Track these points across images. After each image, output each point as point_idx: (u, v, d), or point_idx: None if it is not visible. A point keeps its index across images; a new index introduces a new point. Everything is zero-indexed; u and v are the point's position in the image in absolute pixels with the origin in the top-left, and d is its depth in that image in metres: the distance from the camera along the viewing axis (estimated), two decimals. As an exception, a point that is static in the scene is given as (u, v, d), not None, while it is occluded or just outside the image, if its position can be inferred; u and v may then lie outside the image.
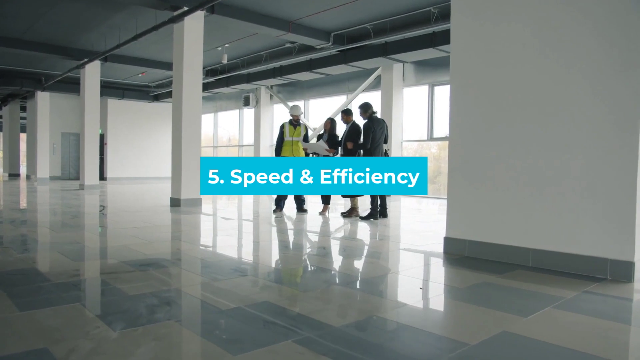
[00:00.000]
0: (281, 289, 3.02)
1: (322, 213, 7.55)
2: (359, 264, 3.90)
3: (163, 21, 8.50)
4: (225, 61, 11.89)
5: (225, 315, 2.44)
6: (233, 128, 19.13)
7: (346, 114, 7.29)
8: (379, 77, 12.67)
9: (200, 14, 8.25)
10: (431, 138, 12.01)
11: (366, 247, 4.72)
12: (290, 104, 15.75)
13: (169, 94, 17.63)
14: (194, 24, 8.29)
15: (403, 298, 2.87)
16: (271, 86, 16.02)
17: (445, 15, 8.62)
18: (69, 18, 9.72)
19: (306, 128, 7.79)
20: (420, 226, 6.45)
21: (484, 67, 4.17)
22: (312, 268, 3.71)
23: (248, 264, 3.87)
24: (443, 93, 11.78)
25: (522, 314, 2.54)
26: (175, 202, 8.36)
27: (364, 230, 5.85)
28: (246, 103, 16.40)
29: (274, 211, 7.69)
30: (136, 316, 2.39)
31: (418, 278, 3.43)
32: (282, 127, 7.68)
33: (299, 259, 4.13)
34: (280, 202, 7.75)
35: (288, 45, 11.49)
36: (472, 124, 4.23)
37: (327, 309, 2.60)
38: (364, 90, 13.17)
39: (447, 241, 4.38)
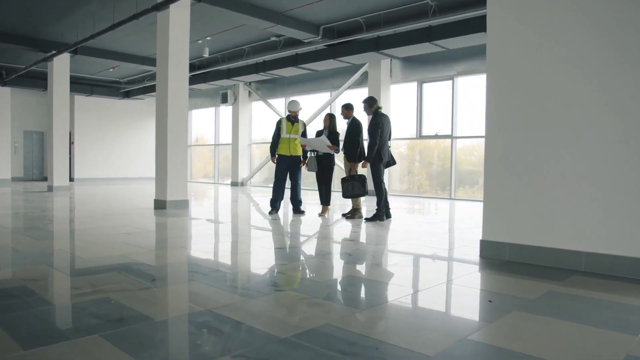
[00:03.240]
0: (334, 307, 2.57)
1: (322, 214, 7.12)
2: (398, 273, 3.49)
3: (146, 9, 7.84)
4: (206, 55, 11.25)
5: (289, 346, 1.97)
6: (204, 126, 18.37)
7: (347, 108, 6.87)
8: (365, 74, 12.31)
9: (186, 2, 7.65)
10: (420, 136, 11.74)
11: (392, 253, 4.31)
12: (271, 101, 15.24)
13: (141, 91, 16.79)
14: (180, 13, 7.68)
15: (479, 315, 2.47)
16: (250, 82, 15.43)
17: (443, 9, 8.34)
18: (38, 5, 8.90)
19: (304, 125, 7.34)
20: (430, 227, 6.11)
21: (523, 61, 3.84)
22: (351, 279, 3.28)
23: (276, 276, 3.39)
24: (432, 90, 11.54)
25: (629, 332, 2.19)
26: (160, 204, 7.74)
27: (376, 233, 5.45)
28: (224, 100, 15.74)
29: (270, 213, 7.20)
30: (180, 351, 1.90)
31: (473, 287, 3.05)
32: (279, 122, 7.21)
33: (330, 268, 3.69)
34: (275, 203, 7.27)
35: (273, 39, 10.97)
36: (512, 120, 3.89)
37: (405, 332, 2.17)
38: (349, 87, 12.78)
39: (485, 244, 4.03)
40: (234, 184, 15.72)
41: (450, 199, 10.93)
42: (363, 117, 7.19)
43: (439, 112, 11.37)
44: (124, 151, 18.38)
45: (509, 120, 3.91)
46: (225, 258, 4.01)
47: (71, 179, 16.56)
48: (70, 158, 16.06)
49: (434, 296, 2.83)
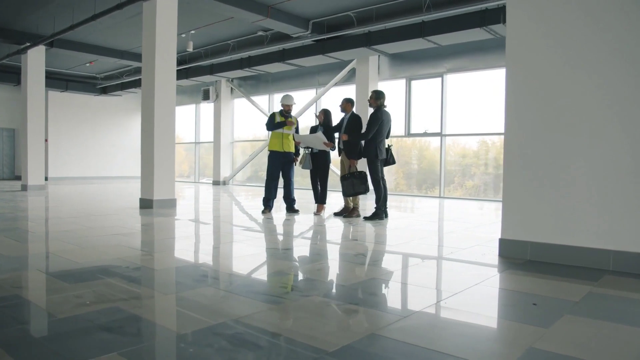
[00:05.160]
0: (373, 314, 2.34)
1: (318, 213, 6.88)
2: (423, 275, 3.28)
3: (130, -2, 7.48)
4: (190, 49, 10.86)
5: (341, 361, 1.74)
6: (180, 124, 17.82)
7: (348, 101, 6.68)
8: (352, 71, 12.11)
9: (174, -9, 7.32)
10: (408, 134, 11.61)
11: (406, 254, 4.11)
12: (254, 98, 14.89)
13: (118, 87, 16.22)
14: (168, 3, 7.33)
15: (530, 319, 2.27)
16: (232, 79, 15.05)
17: (438, 4, 8.20)
18: (12, -6, 8.42)
19: (297, 120, 7.08)
20: (433, 227, 5.95)
21: (544, 57, 3.69)
22: (375, 281, 3.05)
23: (294, 279, 3.14)
24: (420, 87, 11.43)
25: (698, 337, 2.03)
26: (146, 204, 7.37)
27: (381, 233, 5.26)
28: (206, 97, 15.30)
29: (263, 212, 6.93)
30: (219, 371, 1.64)
31: (508, 289, 2.87)
32: (273, 116, 6.92)
33: (349, 270, 3.46)
34: (269, 202, 7.00)
35: (260, 33, 10.67)
36: (533, 116, 3.72)
37: (464, 342, 1.96)
38: (336, 84, 12.56)
39: (504, 243, 3.87)
40: (215, 182, 15.33)
41: (440, 197, 10.83)
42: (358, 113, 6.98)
43: (427, 109, 11.26)
44: (101, 149, 17.75)
45: (529, 116, 3.75)
46: (232, 260, 3.74)
47: (45, 178, 15.88)
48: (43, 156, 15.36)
49: (473, 299, 2.63)
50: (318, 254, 4.12)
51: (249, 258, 3.85)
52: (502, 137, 10.26)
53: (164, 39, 7.33)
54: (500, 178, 10.53)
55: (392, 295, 2.76)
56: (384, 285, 2.94)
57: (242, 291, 2.77)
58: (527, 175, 3.75)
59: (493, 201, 9.87)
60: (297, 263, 3.67)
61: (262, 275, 3.31)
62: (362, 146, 6.46)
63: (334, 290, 2.82)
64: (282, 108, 6.95)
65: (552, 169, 3.63)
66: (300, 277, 3.19)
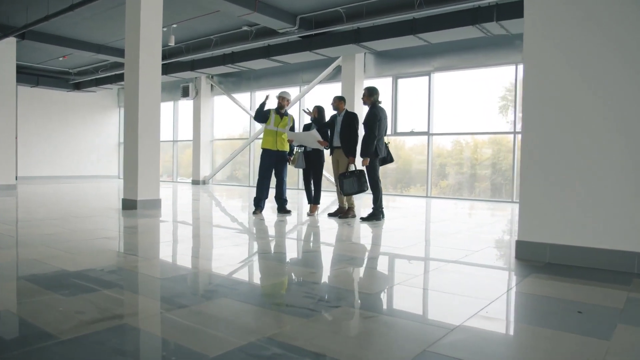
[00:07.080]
0: (416, 327, 2.13)
1: (312, 214, 6.65)
2: (447, 280, 3.09)
3: (113, -13, 7.09)
4: (172, 44, 10.44)
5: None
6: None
7: (340, 99, 6.47)
8: (337, 68, 11.91)
9: (160, -19, 6.96)
10: (395, 133, 11.48)
11: (419, 257, 3.92)
12: (235, 95, 14.52)
13: (93, 82, 15.60)
14: (153, -7, 6.97)
15: (586, 330, 2.10)
16: (212, 76, 14.64)
17: (430, 1, 8.06)
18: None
19: (293, 119, 6.84)
20: (434, 227, 5.80)
21: (562, 54, 3.56)
22: (402, 289, 2.85)
23: (313, 287, 2.90)
24: (407, 86, 11.31)
25: None
26: (129, 204, 6.99)
27: (383, 235, 5.07)
28: (185, 94, 14.84)
29: (254, 213, 6.66)
30: (270, 405, 1.40)
31: (543, 295, 2.70)
32: (267, 112, 6.64)
33: (368, 276, 3.24)
34: (260, 202, 6.73)
35: (245, 28, 10.35)
36: (552, 114, 3.59)
37: (529, 358, 1.77)
38: (320, 82, 12.34)
39: (521, 245, 3.73)
40: (195, 182, 14.89)
41: (427, 196, 10.74)
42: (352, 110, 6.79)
43: (414, 108, 11.15)
44: (74, 148, 17.06)
45: (547, 116, 3.60)
46: (237, 267, 3.47)
47: (14, 178, 15.11)
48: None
49: (512, 307, 2.46)
50: (327, 259, 3.89)
51: (253, 263, 3.60)
52: (480, 137, 10.39)
53: (149, 31, 6.96)
54: (474, 177, 10.55)
55: (425, 304, 2.56)
56: (411, 293, 2.73)
57: (261, 302, 2.52)
58: (545, 177, 3.61)
59: (479, 200, 9.84)
60: (307, 269, 3.43)
61: (277, 283, 3.06)
62: (358, 145, 6.27)
63: (360, 300, 2.59)
64: (278, 103, 6.69)
65: (571, 169, 3.50)
66: (319, 284, 2.96)
